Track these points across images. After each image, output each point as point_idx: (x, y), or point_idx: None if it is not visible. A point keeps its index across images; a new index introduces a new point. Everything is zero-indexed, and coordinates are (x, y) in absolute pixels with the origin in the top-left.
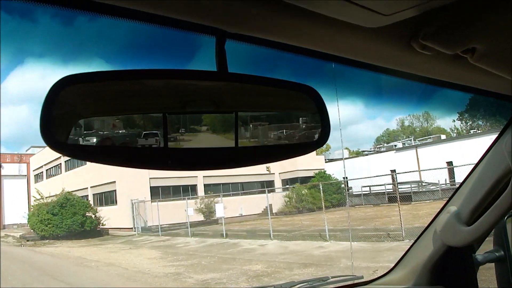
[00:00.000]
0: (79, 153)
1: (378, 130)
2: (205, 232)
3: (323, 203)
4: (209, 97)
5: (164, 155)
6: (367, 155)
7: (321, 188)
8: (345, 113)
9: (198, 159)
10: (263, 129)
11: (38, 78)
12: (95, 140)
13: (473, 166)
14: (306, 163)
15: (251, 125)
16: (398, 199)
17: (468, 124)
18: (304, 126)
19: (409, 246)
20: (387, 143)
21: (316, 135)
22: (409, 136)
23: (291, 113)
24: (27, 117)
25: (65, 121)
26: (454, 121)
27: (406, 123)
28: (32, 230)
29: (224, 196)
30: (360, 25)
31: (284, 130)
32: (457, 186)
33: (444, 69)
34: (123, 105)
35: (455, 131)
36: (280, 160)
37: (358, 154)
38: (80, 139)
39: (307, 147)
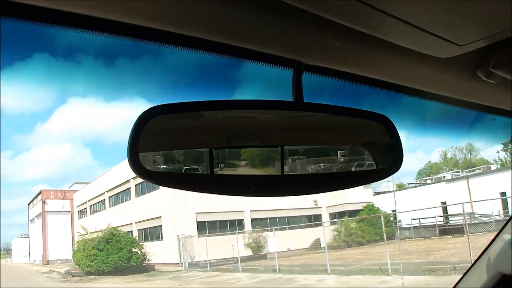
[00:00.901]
0: (160, 180)
1: (419, 163)
2: (255, 267)
3: (384, 235)
4: (286, 127)
5: (214, 181)
6: (415, 187)
7: (382, 220)
8: None
9: (247, 186)
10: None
11: (81, 117)
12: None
13: None
14: (354, 196)
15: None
16: (467, 230)
17: None
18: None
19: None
20: (433, 175)
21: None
22: (452, 168)
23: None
24: (70, 155)
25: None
26: (498, 152)
27: (449, 155)
28: (77, 266)
29: (271, 230)
30: (432, 55)
31: (356, 161)
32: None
33: (508, 98)
34: (201, 137)
35: (499, 162)
36: (342, 189)
37: (401, 187)
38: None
39: (381, 174)
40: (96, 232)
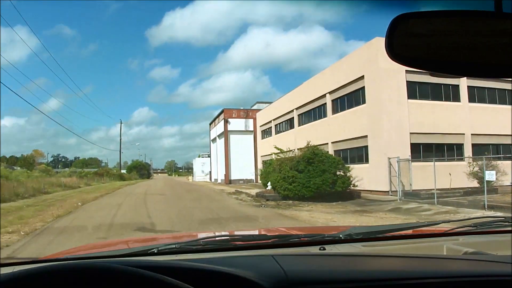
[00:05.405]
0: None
1: None
2: (494, 203)
3: None
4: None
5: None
6: None
7: None
8: None
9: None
10: None
11: (261, 47)
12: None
13: None
14: None
15: None
16: None
17: None
18: None
19: None
20: None
21: None
22: None
23: None
24: (250, 82)
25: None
26: None
27: None
28: (267, 188)
29: (494, 159)
30: None
31: None
32: None
33: None
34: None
35: None
36: None
37: None
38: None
39: None
40: (287, 151)
